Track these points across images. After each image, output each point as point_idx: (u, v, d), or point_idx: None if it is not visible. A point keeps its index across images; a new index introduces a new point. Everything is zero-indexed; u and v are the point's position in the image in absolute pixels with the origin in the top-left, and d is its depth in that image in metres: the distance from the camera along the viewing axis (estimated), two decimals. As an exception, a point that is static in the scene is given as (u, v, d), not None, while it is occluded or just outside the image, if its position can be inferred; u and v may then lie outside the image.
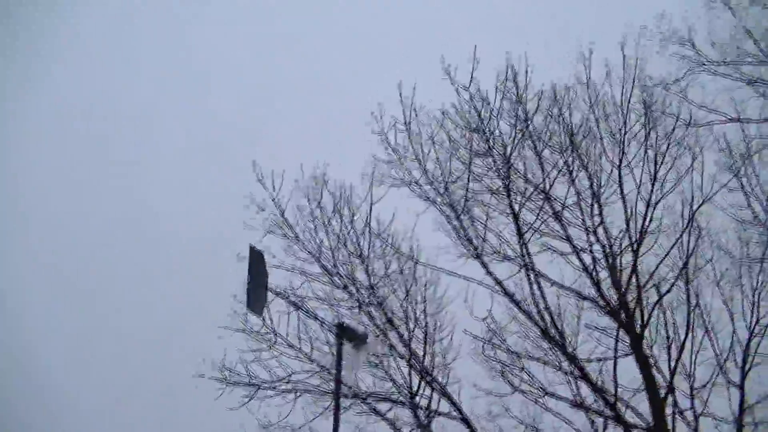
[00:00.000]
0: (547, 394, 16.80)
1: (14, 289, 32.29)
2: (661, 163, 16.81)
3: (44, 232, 37.38)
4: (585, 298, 16.71)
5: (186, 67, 43.35)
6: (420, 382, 16.21)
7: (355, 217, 16.41)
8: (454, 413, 16.21)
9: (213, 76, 42.94)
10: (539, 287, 16.34)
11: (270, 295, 15.17)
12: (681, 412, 16.62)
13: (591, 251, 16.71)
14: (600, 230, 16.77)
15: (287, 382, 16.05)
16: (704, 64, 17.26)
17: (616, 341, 16.43)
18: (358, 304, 16.24)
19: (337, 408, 14.16)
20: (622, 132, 16.96)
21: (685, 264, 16.76)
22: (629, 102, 17.01)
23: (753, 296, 16.87)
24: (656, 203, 16.76)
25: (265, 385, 16.02)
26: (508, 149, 16.60)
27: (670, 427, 16.14)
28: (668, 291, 16.74)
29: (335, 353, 15.34)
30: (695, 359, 16.93)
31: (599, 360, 16.71)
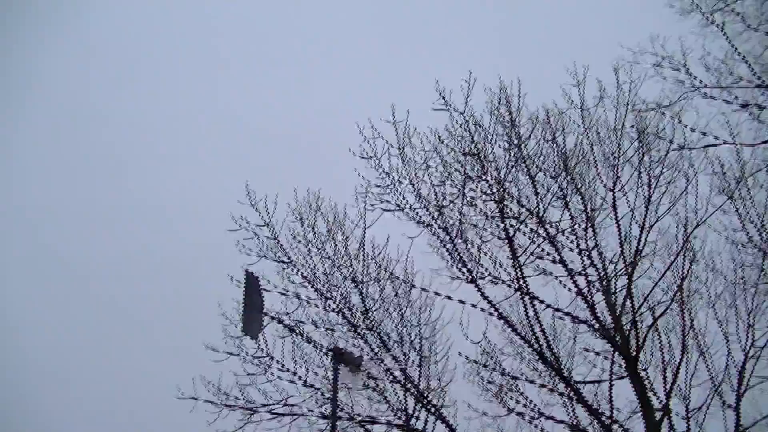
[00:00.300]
0: (542, 416, 16.82)
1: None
2: (655, 186, 16.92)
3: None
4: (580, 321, 16.78)
5: (183, 81, 43.44)
6: (416, 404, 16.19)
7: (349, 241, 16.45)
8: (449, 435, 16.24)
9: (207, 95, 43.06)
10: (534, 310, 16.38)
11: (265, 319, 15.15)
12: (676, 435, 16.65)
13: (585, 274, 16.77)
14: (594, 253, 16.85)
15: (283, 405, 16.07)
16: (698, 88, 17.38)
17: (612, 364, 16.46)
18: (352, 327, 16.27)
19: (333, 430, 14.15)
20: (616, 155, 17.09)
21: (680, 287, 16.82)
22: (623, 126, 17.18)
23: (748, 318, 16.93)
24: (650, 226, 16.85)
25: (261, 408, 16.05)
26: (502, 173, 16.66)
27: (666, 449, 16.18)
28: (663, 314, 16.80)
29: (331, 376, 15.32)
30: (690, 381, 16.97)
31: (595, 382, 16.75)
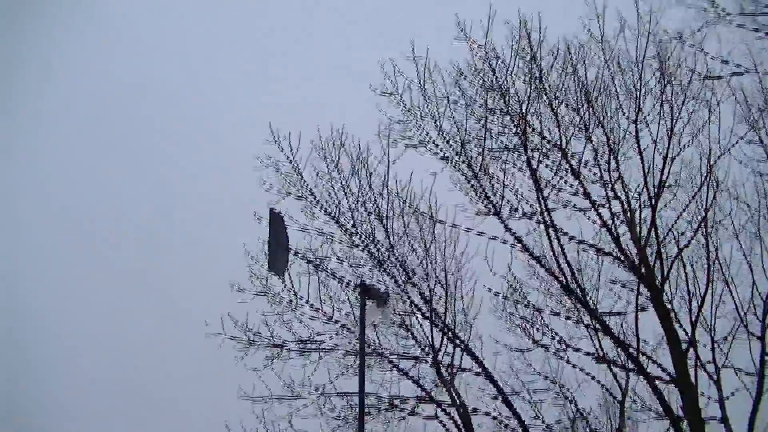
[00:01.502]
0: (568, 348, 16.89)
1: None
2: (678, 116, 16.74)
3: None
4: (604, 253, 16.76)
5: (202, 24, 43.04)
6: (442, 339, 16.32)
7: (373, 178, 16.45)
8: (477, 369, 16.33)
9: (230, 34, 42.58)
10: (559, 243, 16.35)
11: (291, 257, 15.17)
12: (703, 365, 16.68)
13: (609, 206, 16.71)
14: (618, 185, 16.76)
15: (310, 343, 16.18)
16: (721, 16, 17.15)
17: (637, 295, 16.45)
18: (378, 263, 16.31)
19: (362, 366, 14.18)
20: (638, 87, 16.89)
21: (704, 217, 16.75)
22: (644, 56, 16.94)
23: (773, 248, 16.87)
24: (674, 157, 16.72)
25: (289, 345, 16.15)
26: (524, 106, 16.56)
27: (692, 379, 16.21)
28: (687, 244, 16.75)
29: (358, 312, 15.33)
30: (715, 312, 16.99)
31: (620, 314, 16.80)
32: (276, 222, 14.59)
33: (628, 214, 16.68)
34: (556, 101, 16.75)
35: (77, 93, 38.84)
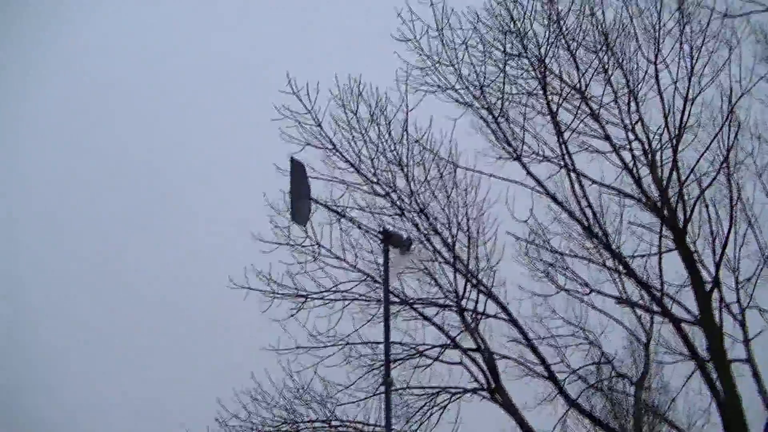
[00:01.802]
0: (592, 291, 16.89)
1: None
2: (698, 57, 16.55)
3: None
4: (627, 196, 16.73)
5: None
6: (465, 285, 16.23)
7: (392, 125, 16.33)
8: (501, 315, 16.29)
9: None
10: (580, 186, 16.30)
11: (313, 206, 15.10)
12: (727, 306, 16.68)
13: (630, 148, 16.62)
14: (638, 127, 16.65)
15: (334, 292, 16.14)
16: (740, -48, 16.94)
17: (660, 237, 16.44)
18: (400, 211, 16.24)
19: (386, 314, 14.16)
20: (657, 27, 16.73)
21: (726, 157, 16.65)
22: (663, -4, 16.79)
23: (795, 186, 16.80)
24: (694, 98, 16.54)
25: (313, 295, 16.13)
26: (543, 50, 16.42)
27: (717, 320, 16.18)
28: (710, 185, 16.70)
29: (381, 260, 15.30)
30: (739, 252, 17.02)
31: (643, 256, 16.78)
32: (298, 172, 14.49)
33: (649, 155, 16.59)
34: (575, 44, 16.63)
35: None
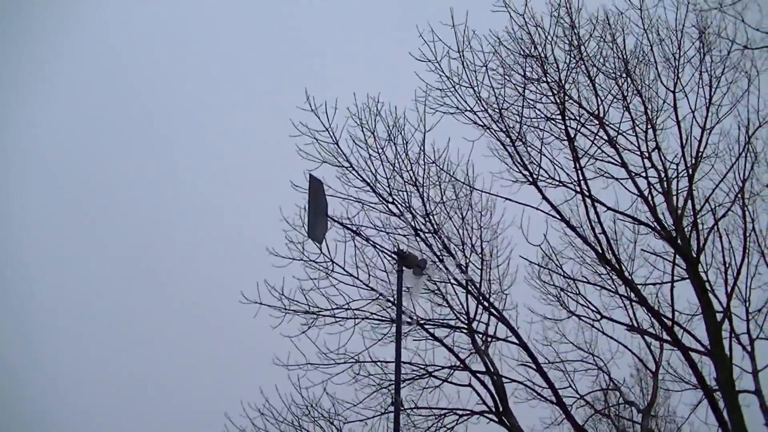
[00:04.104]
0: (603, 318, 16.88)
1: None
2: (717, 86, 16.58)
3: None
4: (641, 223, 16.71)
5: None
6: (477, 307, 16.29)
7: (409, 145, 16.39)
8: (511, 338, 16.31)
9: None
10: (595, 212, 16.21)
11: (329, 223, 15.12)
12: (737, 336, 16.67)
13: (646, 176, 16.61)
14: (655, 155, 16.65)
15: (346, 309, 16.15)
16: (763, -15, 16.93)
17: (673, 266, 16.40)
18: (414, 231, 16.26)
19: (398, 334, 14.17)
20: (677, 56, 16.73)
21: (741, 188, 16.65)
22: (684, 25, 16.73)
23: (807, 219, 16.79)
24: (712, 127, 16.58)
25: (324, 312, 16.13)
26: (562, 75, 16.40)
27: (726, 351, 16.17)
28: (724, 215, 16.67)
29: (393, 280, 15.31)
30: (751, 283, 17.04)
31: (655, 284, 16.82)
32: (315, 188, 14.52)
33: (665, 183, 16.58)
34: (595, 69, 16.62)
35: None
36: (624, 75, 16.68)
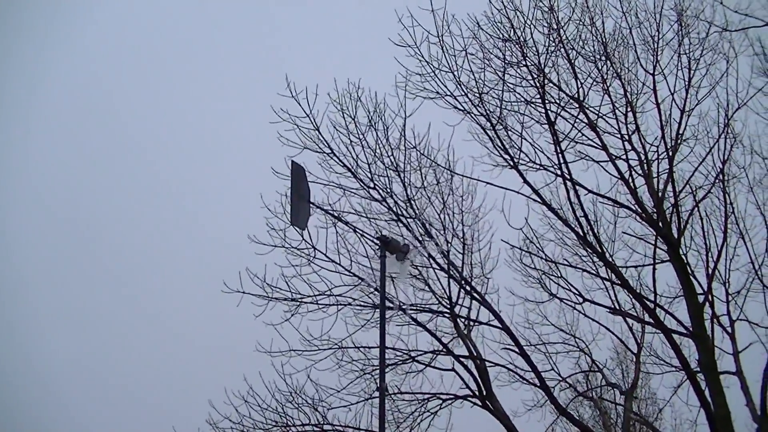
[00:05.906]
0: (584, 300, 16.92)
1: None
2: (695, 69, 16.63)
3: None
4: (621, 206, 16.74)
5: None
6: (459, 292, 16.29)
7: (390, 131, 16.36)
8: (494, 321, 16.30)
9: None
10: (576, 195, 16.23)
11: (311, 210, 15.05)
12: (717, 318, 16.75)
13: (627, 159, 16.64)
14: (635, 138, 16.67)
15: (328, 296, 16.12)
16: (740, -33, 16.96)
17: (654, 248, 16.46)
18: (395, 216, 16.25)
19: (383, 319, 14.16)
20: (656, 39, 16.78)
21: (721, 170, 16.71)
22: (662, 8, 16.78)
23: (788, 201, 16.87)
24: (691, 110, 16.62)
25: (307, 299, 16.09)
26: (542, 58, 16.39)
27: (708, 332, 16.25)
28: (704, 197, 16.76)
29: (375, 266, 15.31)
30: (730, 265, 17.08)
31: (637, 267, 16.87)
32: (297, 175, 14.49)
33: (645, 166, 16.62)
34: (574, 53, 16.62)
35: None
36: (603, 58, 16.70)
